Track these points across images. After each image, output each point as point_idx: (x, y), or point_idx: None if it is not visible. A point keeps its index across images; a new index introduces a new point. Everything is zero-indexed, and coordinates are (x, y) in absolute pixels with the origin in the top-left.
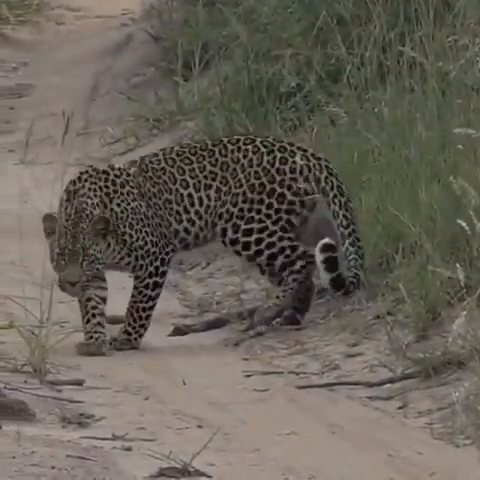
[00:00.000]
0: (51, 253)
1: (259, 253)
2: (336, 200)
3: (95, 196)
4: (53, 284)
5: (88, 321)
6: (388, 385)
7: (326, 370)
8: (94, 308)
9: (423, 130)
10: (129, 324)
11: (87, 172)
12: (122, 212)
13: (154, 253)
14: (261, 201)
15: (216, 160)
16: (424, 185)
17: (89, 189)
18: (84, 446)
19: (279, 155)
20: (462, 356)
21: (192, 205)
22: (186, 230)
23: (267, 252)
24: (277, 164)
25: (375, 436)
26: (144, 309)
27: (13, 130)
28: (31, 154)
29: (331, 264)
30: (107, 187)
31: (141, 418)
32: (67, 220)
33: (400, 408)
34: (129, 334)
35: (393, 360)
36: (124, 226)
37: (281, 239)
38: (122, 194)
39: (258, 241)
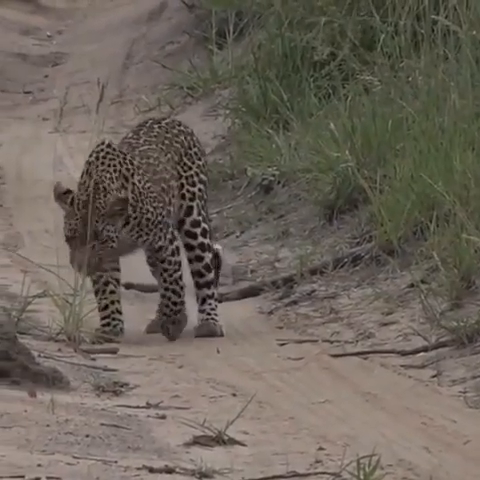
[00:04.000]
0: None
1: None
2: None
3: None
4: (87, 252)
5: (106, 307)
6: (422, 353)
7: (360, 338)
8: (112, 293)
9: (457, 98)
10: (174, 303)
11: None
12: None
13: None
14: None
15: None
16: (458, 153)
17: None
18: (118, 414)
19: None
20: None
21: None
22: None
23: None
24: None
25: (409, 404)
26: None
27: (48, 98)
28: (65, 122)
29: None
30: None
31: (175, 386)
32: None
33: (434, 376)
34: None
35: (427, 328)
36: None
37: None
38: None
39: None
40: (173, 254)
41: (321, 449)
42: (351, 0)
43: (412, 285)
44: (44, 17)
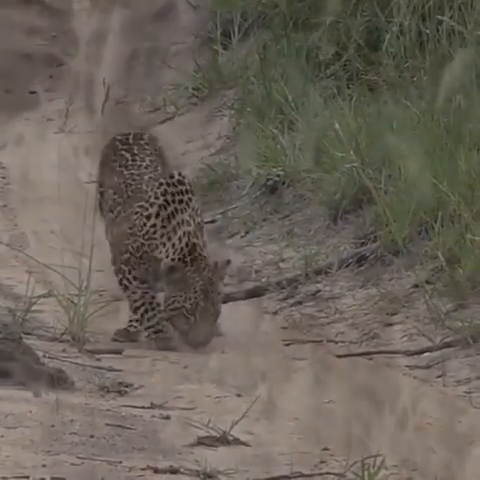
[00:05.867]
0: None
1: None
2: None
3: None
4: (92, 252)
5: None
6: (427, 354)
7: (365, 339)
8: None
9: (462, 99)
10: None
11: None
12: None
13: None
14: None
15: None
16: (463, 154)
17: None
18: (123, 415)
19: None
20: None
21: None
22: None
23: None
24: None
25: (414, 405)
26: None
27: (53, 99)
28: (70, 123)
29: None
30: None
31: (180, 387)
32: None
33: (439, 377)
34: None
35: (432, 329)
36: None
37: None
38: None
39: None
40: None
41: (326, 449)
42: (356, 0)
43: (417, 285)
44: (49, 17)
